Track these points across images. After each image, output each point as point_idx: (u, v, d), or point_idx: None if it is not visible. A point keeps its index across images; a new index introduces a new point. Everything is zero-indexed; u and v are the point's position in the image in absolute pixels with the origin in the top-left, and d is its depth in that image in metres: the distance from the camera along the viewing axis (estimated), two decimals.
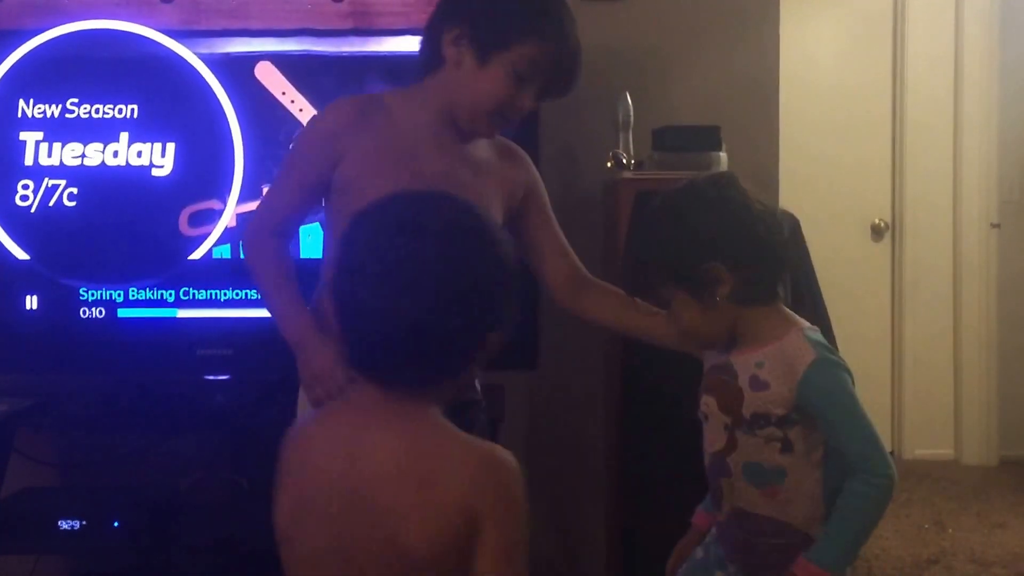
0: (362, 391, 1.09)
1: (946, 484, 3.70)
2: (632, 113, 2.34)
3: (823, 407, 1.35)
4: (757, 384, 1.37)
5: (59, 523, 2.18)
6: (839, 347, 2.94)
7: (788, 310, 1.46)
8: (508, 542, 1.05)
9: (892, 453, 4.10)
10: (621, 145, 2.33)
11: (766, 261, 1.39)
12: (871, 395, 3.96)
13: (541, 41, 1.50)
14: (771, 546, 1.39)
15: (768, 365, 1.36)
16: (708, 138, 2.27)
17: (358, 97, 1.64)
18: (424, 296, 1.03)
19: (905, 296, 4.04)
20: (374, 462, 1.05)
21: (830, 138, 3.99)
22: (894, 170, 4.06)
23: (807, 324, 1.43)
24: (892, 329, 4.11)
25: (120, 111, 2.20)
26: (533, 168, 1.69)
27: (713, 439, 1.43)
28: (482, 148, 1.61)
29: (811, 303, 2.85)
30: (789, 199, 2.68)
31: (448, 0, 1.55)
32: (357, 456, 1.06)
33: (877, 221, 4.11)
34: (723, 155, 2.28)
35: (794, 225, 2.81)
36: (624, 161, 2.28)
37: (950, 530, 3.18)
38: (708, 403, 1.44)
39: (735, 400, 1.39)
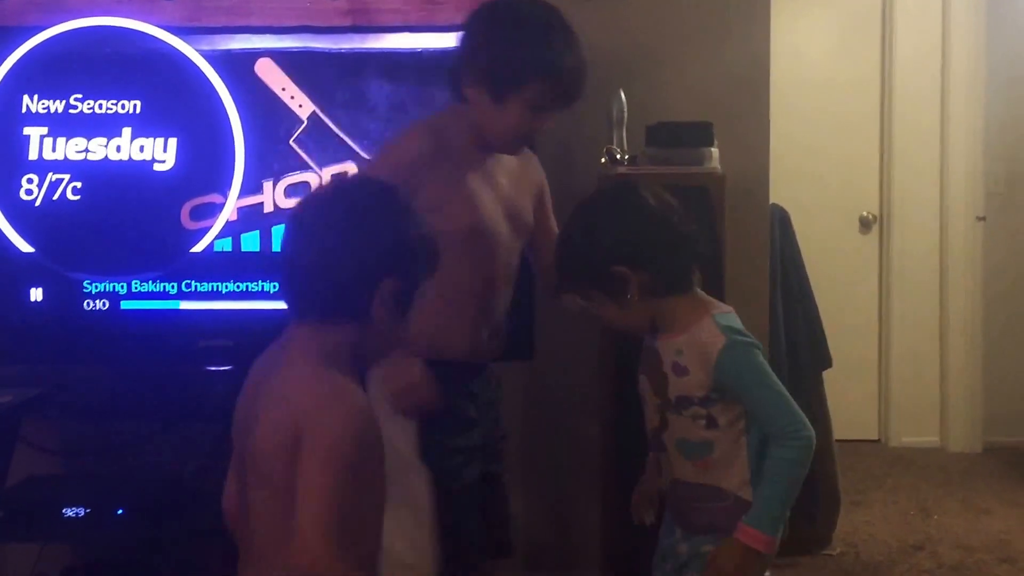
0: (289, 331, 1.34)
1: (932, 471, 3.76)
2: (626, 109, 2.36)
3: (739, 386, 1.49)
4: (678, 370, 1.51)
5: (64, 511, 2.19)
6: (827, 335, 3.02)
7: (703, 295, 1.58)
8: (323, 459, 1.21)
9: (878, 441, 4.17)
10: (615, 141, 2.35)
11: (670, 255, 1.53)
12: (858, 384, 4.04)
13: (550, 75, 1.65)
14: (708, 510, 1.53)
15: (686, 352, 1.51)
16: (700, 134, 2.30)
17: (429, 124, 1.80)
18: (322, 240, 1.27)
19: (892, 287, 4.09)
20: (266, 381, 1.30)
21: (819, 132, 4.03)
22: (882, 164, 4.11)
23: (720, 308, 1.56)
24: (879, 319, 4.16)
25: (123, 106, 2.22)
26: (541, 168, 1.90)
27: (650, 417, 1.59)
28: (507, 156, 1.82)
29: (800, 293, 2.91)
30: (779, 192, 2.73)
31: (463, 47, 1.71)
32: (261, 378, 1.33)
33: (865, 214, 4.15)
34: (715, 150, 2.30)
35: (784, 218, 2.87)
36: (618, 157, 2.31)
37: (935, 516, 3.24)
38: (643, 384, 1.59)
39: (662, 384, 1.53)
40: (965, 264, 4.00)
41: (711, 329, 1.50)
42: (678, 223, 1.54)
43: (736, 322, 1.54)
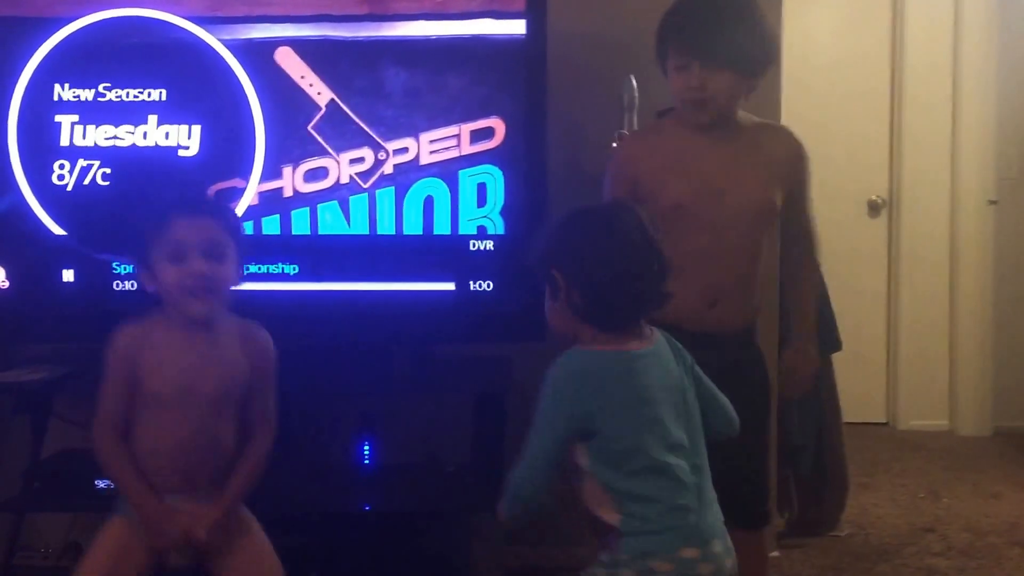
0: None
1: (941, 454, 3.76)
2: (637, 95, 2.39)
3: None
4: None
5: (96, 483, 2.26)
6: (837, 320, 3.04)
7: (616, 336, 1.50)
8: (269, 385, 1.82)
9: (887, 424, 4.18)
10: (626, 126, 2.38)
11: (605, 290, 1.47)
12: (867, 367, 4.04)
13: (669, 34, 1.90)
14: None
15: None
16: None
17: (641, 129, 2.17)
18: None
19: (901, 271, 4.09)
20: None
21: (828, 115, 4.02)
22: (892, 147, 4.10)
23: (606, 344, 1.49)
24: (888, 303, 4.16)
25: (149, 95, 2.27)
26: (797, 149, 2.02)
27: None
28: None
29: None
30: None
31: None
32: None
33: (874, 197, 4.15)
34: None
35: None
36: None
37: (945, 500, 3.24)
38: None
39: None
40: (976, 248, 3.99)
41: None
42: (638, 272, 1.47)
43: (587, 361, 1.48)
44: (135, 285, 2.31)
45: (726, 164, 1.89)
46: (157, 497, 1.76)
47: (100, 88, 2.28)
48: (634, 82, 2.41)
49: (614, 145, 2.38)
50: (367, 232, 2.30)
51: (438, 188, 2.28)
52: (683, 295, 1.69)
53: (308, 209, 2.29)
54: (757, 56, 1.87)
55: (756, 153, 1.92)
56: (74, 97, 2.29)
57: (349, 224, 2.30)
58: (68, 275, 2.32)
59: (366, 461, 2.40)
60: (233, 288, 1.80)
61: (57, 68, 2.28)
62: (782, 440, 2.77)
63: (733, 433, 1.62)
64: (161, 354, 1.76)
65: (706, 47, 1.82)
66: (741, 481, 1.89)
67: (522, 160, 2.27)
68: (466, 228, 2.28)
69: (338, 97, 2.27)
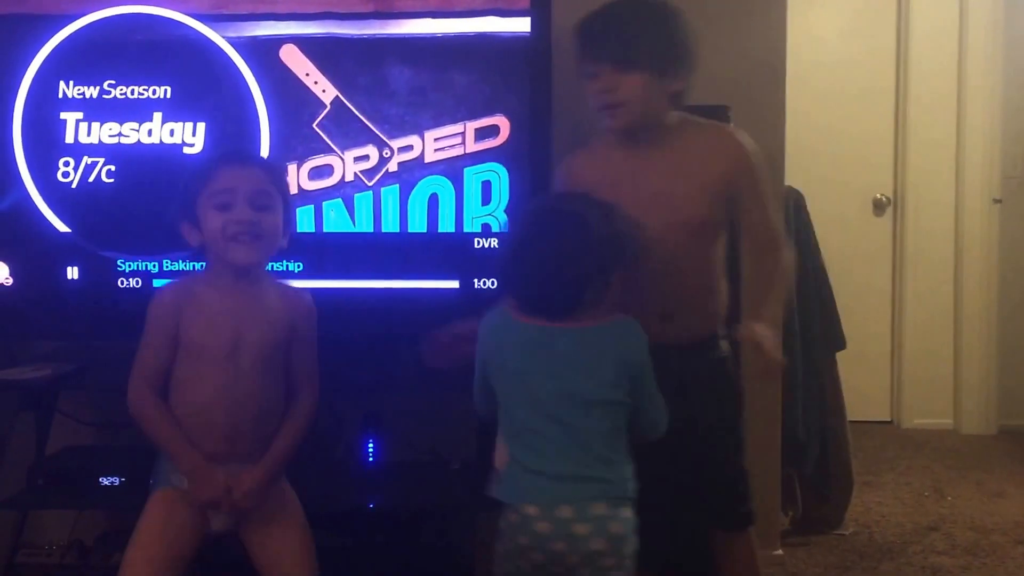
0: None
1: (945, 453, 3.77)
2: None
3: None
4: None
5: (100, 480, 2.27)
6: (841, 317, 3.03)
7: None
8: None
9: (891, 422, 4.18)
10: None
11: (505, 275, 1.79)
12: (871, 365, 4.05)
13: (577, 40, 1.82)
14: None
15: None
16: (716, 117, 2.28)
17: (583, 148, 1.98)
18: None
19: (906, 270, 4.09)
20: None
21: (833, 113, 4.03)
22: (896, 145, 4.10)
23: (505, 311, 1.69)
24: (892, 302, 4.17)
25: (154, 92, 2.27)
26: (742, 152, 1.90)
27: None
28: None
29: (814, 276, 2.93)
30: (793, 174, 2.75)
31: None
32: None
33: (879, 196, 4.15)
34: None
35: (799, 200, 2.89)
36: None
37: (949, 498, 3.24)
38: None
39: None
40: (981, 247, 3.99)
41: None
42: (536, 263, 1.64)
43: (497, 320, 1.69)
44: (139, 283, 2.32)
45: (657, 177, 1.82)
46: (199, 452, 1.76)
47: (105, 85, 2.28)
48: None
49: None
50: (372, 230, 2.30)
51: (443, 186, 2.28)
52: (636, 309, 1.73)
53: (313, 207, 2.29)
54: (671, 57, 1.80)
55: (689, 162, 1.83)
56: (79, 94, 2.29)
57: (354, 222, 2.30)
58: (72, 272, 2.32)
59: (370, 458, 2.40)
60: (280, 246, 1.85)
61: (62, 65, 2.28)
62: (786, 438, 2.77)
63: (653, 437, 1.72)
64: (206, 308, 1.77)
65: (614, 49, 1.76)
66: (716, 483, 1.91)
67: (527, 158, 2.27)
68: (471, 226, 2.28)
69: (343, 95, 2.27)
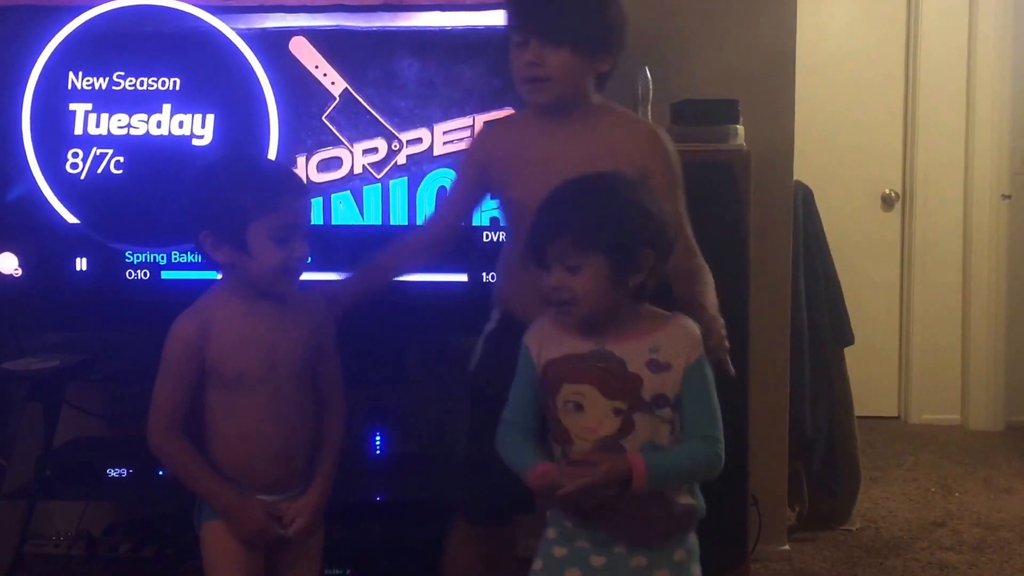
0: None
1: (952, 449, 3.76)
2: (651, 87, 2.38)
3: (697, 393, 1.48)
4: (657, 367, 1.46)
5: (107, 471, 2.28)
6: (849, 312, 3.03)
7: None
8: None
9: (898, 418, 4.18)
10: (641, 118, 2.39)
11: (665, 263, 1.51)
12: (879, 361, 4.04)
13: (515, 16, 1.73)
14: (659, 518, 1.50)
15: (664, 348, 1.47)
16: (726, 111, 2.32)
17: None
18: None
19: (914, 266, 4.08)
20: None
21: (842, 109, 4.01)
22: (905, 141, 4.09)
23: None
24: (900, 297, 4.16)
25: (163, 84, 2.27)
26: (658, 146, 1.79)
27: (596, 426, 1.48)
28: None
29: (822, 271, 2.93)
30: (802, 169, 2.74)
31: None
32: None
33: (888, 191, 4.14)
34: (740, 128, 2.32)
35: (807, 195, 2.88)
36: None
37: (956, 494, 3.24)
38: (584, 392, 1.48)
39: (630, 385, 1.46)
40: (989, 243, 3.98)
41: (693, 330, 1.50)
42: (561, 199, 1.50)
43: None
44: (147, 274, 2.32)
45: (569, 159, 1.69)
46: (234, 487, 1.65)
47: (114, 77, 2.28)
48: (648, 74, 2.40)
49: None
50: (380, 223, 2.29)
51: (452, 179, 2.28)
52: (540, 306, 1.59)
53: (321, 199, 2.29)
54: (599, 37, 1.71)
55: (604, 148, 1.73)
56: (88, 86, 2.29)
57: (362, 215, 2.30)
58: (81, 264, 2.32)
59: (378, 452, 2.41)
60: None
61: (71, 56, 2.28)
62: (794, 434, 2.77)
63: None
64: (235, 331, 1.63)
65: (543, 22, 1.68)
66: None
67: None
68: (479, 219, 2.28)
69: (352, 87, 2.27)
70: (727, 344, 1.61)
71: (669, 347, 1.47)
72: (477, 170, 1.83)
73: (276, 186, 1.64)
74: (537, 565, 1.55)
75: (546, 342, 1.52)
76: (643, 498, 1.45)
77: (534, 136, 1.76)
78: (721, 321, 1.63)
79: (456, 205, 1.90)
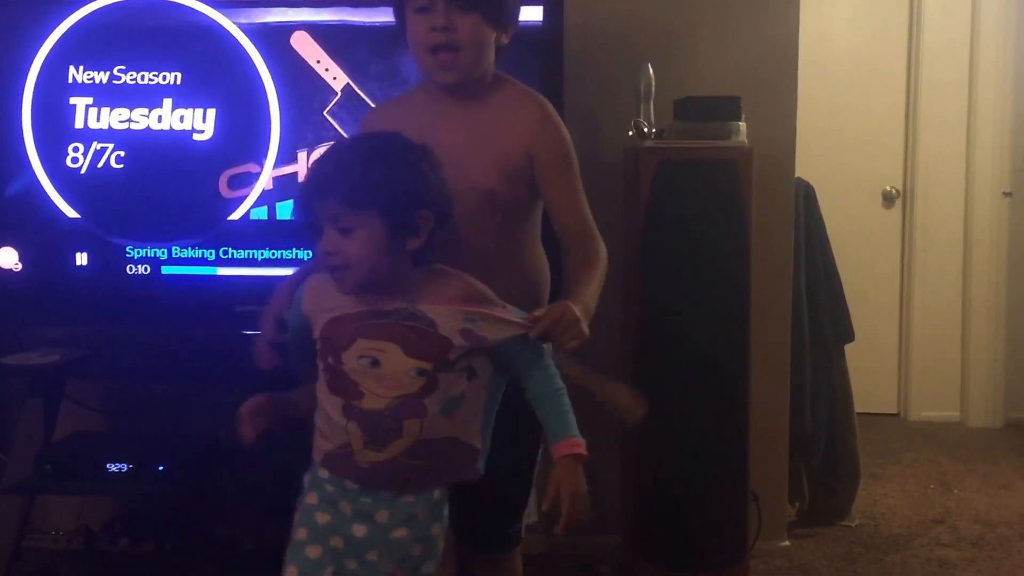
0: None
1: (952, 446, 3.77)
2: (653, 83, 2.38)
3: (528, 360, 1.51)
4: (470, 337, 1.46)
5: (107, 466, 2.27)
6: (850, 309, 3.03)
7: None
8: None
9: (898, 415, 4.18)
10: (642, 115, 2.37)
11: (442, 228, 1.50)
12: (878, 357, 4.04)
13: None
14: (446, 464, 1.51)
15: (481, 325, 1.46)
16: (728, 108, 2.31)
17: (386, 102, 1.85)
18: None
19: (915, 262, 4.08)
20: None
21: (844, 105, 4.01)
22: (907, 138, 4.09)
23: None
24: (901, 293, 4.16)
25: (164, 78, 2.26)
26: (551, 128, 1.69)
27: (395, 384, 1.45)
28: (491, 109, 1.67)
29: (824, 267, 2.93)
30: (803, 165, 2.74)
31: None
32: None
33: (888, 188, 4.14)
34: (743, 125, 2.32)
35: (809, 192, 2.88)
36: (645, 130, 2.33)
37: (956, 491, 3.25)
38: (384, 348, 1.45)
39: (438, 347, 1.45)
40: (990, 240, 3.98)
41: (511, 315, 1.49)
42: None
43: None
44: (148, 269, 2.32)
45: (460, 141, 1.61)
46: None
47: (115, 71, 2.27)
48: (651, 70, 2.40)
49: (630, 135, 2.38)
50: None
51: None
52: None
53: None
54: (506, 5, 1.62)
55: (492, 129, 1.63)
56: (89, 79, 2.28)
57: None
58: (81, 258, 2.32)
59: None
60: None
61: (72, 50, 2.27)
62: (794, 430, 2.77)
63: None
64: None
65: None
66: (495, 506, 1.74)
67: None
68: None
69: (354, 82, 2.26)
70: (550, 338, 1.48)
71: (486, 326, 1.47)
72: None
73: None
74: (301, 534, 1.52)
75: (332, 295, 1.48)
76: (437, 446, 1.47)
77: (423, 116, 1.65)
78: (573, 316, 1.47)
79: None
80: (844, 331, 2.96)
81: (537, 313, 1.50)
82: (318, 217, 1.46)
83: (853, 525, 2.94)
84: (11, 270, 2.33)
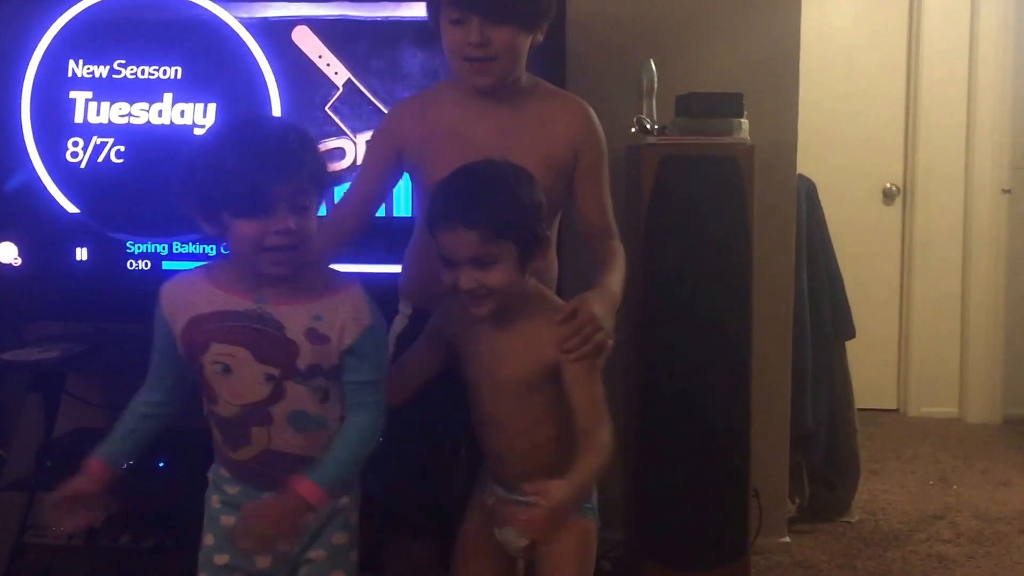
0: None
1: (950, 442, 3.78)
2: (656, 79, 2.37)
3: (366, 364, 1.44)
4: (316, 337, 1.41)
5: None
6: (851, 303, 3.03)
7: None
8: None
9: (897, 411, 4.18)
10: (645, 111, 2.36)
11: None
12: (878, 354, 4.05)
13: None
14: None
15: (327, 320, 1.42)
16: (730, 104, 2.30)
17: (416, 95, 1.84)
18: None
19: (915, 258, 4.09)
20: None
21: (844, 102, 4.01)
22: (907, 135, 4.09)
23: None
24: (900, 290, 4.17)
25: (164, 72, 2.26)
26: (589, 127, 1.73)
27: (245, 391, 1.43)
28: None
29: (825, 264, 2.93)
30: (804, 163, 2.74)
31: None
32: None
33: (889, 185, 4.14)
34: (745, 121, 2.31)
35: (810, 189, 2.88)
36: (648, 127, 2.32)
37: (955, 487, 3.26)
38: (235, 353, 1.41)
39: (285, 352, 1.41)
40: (989, 237, 3.99)
41: (362, 301, 1.45)
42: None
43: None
44: (148, 264, 2.31)
45: (503, 139, 1.63)
46: None
47: (115, 65, 2.26)
48: (653, 66, 2.39)
49: (632, 131, 2.37)
50: (383, 214, 2.27)
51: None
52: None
53: None
54: (541, 7, 1.63)
55: (533, 128, 1.66)
56: (88, 74, 2.27)
57: None
58: (81, 254, 2.31)
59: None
60: None
61: (72, 44, 2.26)
62: (795, 426, 2.77)
63: None
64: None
65: (487, 1, 1.57)
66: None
67: None
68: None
69: (355, 77, 2.25)
70: (589, 347, 1.49)
71: (331, 319, 1.42)
72: (391, 151, 1.71)
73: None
74: (208, 540, 1.52)
75: (194, 297, 1.43)
76: (293, 462, 1.43)
77: (461, 116, 1.67)
78: (597, 313, 1.48)
79: (367, 190, 1.75)
80: (845, 328, 2.96)
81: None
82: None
83: (853, 521, 2.95)
84: (11, 265, 2.32)
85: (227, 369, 1.42)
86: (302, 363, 1.41)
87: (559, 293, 1.75)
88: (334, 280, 1.47)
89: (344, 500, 1.51)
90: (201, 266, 1.50)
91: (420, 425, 1.66)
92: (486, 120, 1.67)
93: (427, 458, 1.72)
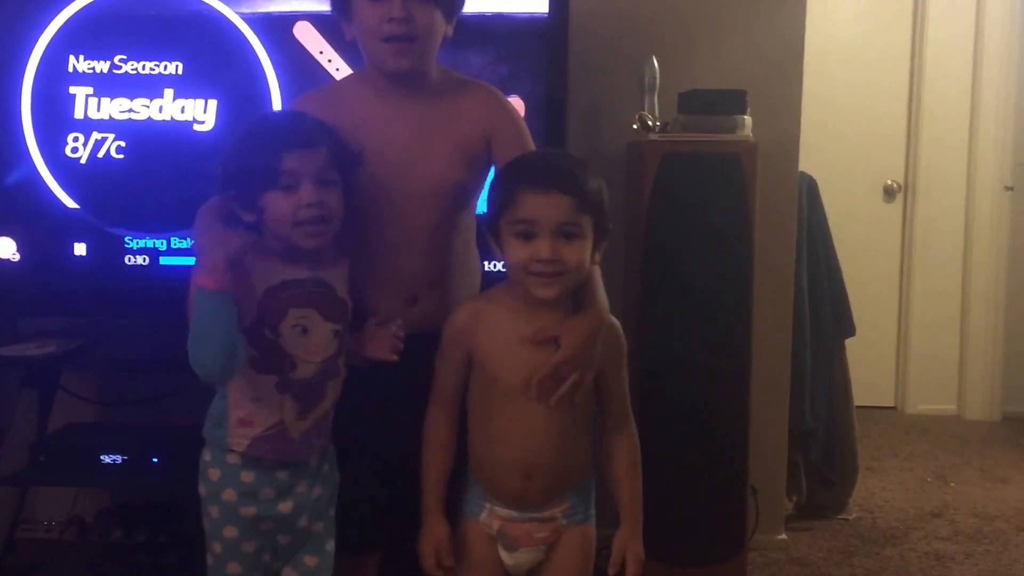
0: None
1: (948, 439, 3.79)
2: (658, 76, 2.36)
3: None
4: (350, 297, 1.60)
5: (101, 458, 2.27)
6: (850, 301, 3.03)
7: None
8: None
9: (895, 408, 4.19)
10: (647, 107, 2.36)
11: None
12: (876, 351, 4.05)
13: None
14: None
15: (350, 279, 1.64)
16: (733, 101, 2.30)
17: (323, 87, 1.83)
18: None
19: (915, 255, 4.09)
20: None
21: (846, 98, 4.00)
22: (909, 131, 4.08)
23: None
24: (900, 287, 4.17)
25: (165, 68, 2.24)
26: (502, 107, 1.71)
27: (321, 349, 1.54)
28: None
29: (826, 261, 2.92)
30: (806, 159, 2.73)
31: None
32: None
33: (890, 182, 4.14)
34: (748, 118, 2.31)
35: (812, 186, 2.88)
36: (650, 123, 2.32)
37: (953, 484, 3.26)
38: (309, 316, 1.53)
39: (341, 310, 1.58)
40: (990, 234, 3.99)
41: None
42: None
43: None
44: (147, 260, 2.30)
45: (417, 130, 1.61)
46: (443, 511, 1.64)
47: (115, 60, 2.25)
48: (655, 63, 2.38)
49: (634, 127, 2.36)
50: None
51: None
52: (378, 292, 1.62)
53: None
54: None
55: (450, 122, 1.63)
56: (89, 69, 2.25)
57: None
58: (79, 249, 2.30)
59: None
60: None
61: (72, 39, 2.24)
62: (794, 424, 2.77)
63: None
64: (502, 335, 1.57)
65: None
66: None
67: (541, 140, 2.23)
68: (484, 207, 2.25)
69: None
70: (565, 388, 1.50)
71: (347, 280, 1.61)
72: None
73: (509, 182, 1.57)
74: (230, 532, 1.56)
75: (263, 273, 1.51)
76: None
77: (373, 109, 1.63)
78: (577, 352, 1.50)
79: None
80: (845, 325, 2.96)
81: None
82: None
83: (850, 518, 2.95)
84: (9, 260, 2.31)
85: (305, 330, 1.53)
86: (349, 315, 1.59)
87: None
88: (339, 251, 1.62)
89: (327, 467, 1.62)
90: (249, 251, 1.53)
91: (373, 453, 1.68)
92: (400, 120, 1.64)
93: (377, 483, 1.70)
